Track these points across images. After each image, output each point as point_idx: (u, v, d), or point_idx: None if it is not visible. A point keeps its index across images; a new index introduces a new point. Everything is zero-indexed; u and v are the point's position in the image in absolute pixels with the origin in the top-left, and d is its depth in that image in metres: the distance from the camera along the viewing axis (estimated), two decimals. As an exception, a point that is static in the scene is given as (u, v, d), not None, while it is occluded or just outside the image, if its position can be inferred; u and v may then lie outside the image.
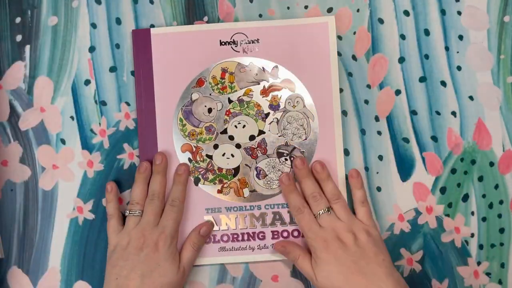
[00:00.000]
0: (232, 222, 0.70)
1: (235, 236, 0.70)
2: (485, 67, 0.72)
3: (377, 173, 0.71)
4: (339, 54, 0.72)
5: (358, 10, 0.73)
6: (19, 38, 0.71)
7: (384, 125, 0.72)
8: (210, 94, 0.70)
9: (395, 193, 0.72)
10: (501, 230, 0.72)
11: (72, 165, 0.70)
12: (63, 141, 0.70)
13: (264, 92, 0.70)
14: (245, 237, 0.70)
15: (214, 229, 0.69)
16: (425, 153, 0.72)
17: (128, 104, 0.71)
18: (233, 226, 0.70)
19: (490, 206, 0.72)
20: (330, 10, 0.72)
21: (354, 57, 0.72)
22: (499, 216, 0.72)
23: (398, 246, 0.71)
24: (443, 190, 0.72)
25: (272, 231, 0.70)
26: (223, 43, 0.70)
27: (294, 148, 0.70)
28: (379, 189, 0.71)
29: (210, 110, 0.70)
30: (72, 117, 0.71)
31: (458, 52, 0.72)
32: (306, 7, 0.72)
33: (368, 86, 0.72)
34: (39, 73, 0.71)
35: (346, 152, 0.71)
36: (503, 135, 0.72)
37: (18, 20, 0.71)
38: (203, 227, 0.68)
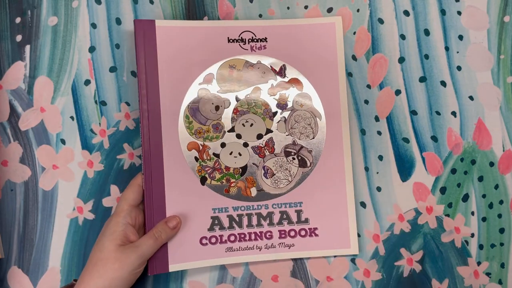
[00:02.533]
0: (239, 222, 0.69)
1: (242, 236, 0.69)
2: (485, 67, 0.72)
3: (377, 173, 0.71)
4: (339, 54, 0.72)
5: (358, 10, 0.73)
6: (19, 38, 0.71)
7: (384, 125, 0.72)
8: (218, 92, 0.69)
9: (395, 193, 0.72)
10: (501, 230, 0.72)
11: (72, 165, 0.70)
12: (63, 141, 0.70)
13: (272, 90, 0.70)
14: (252, 236, 0.69)
15: (221, 229, 0.68)
16: (425, 153, 0.72)
17: (128, 104, 0.71)
18: (240, 226, 0.69)
19: (490, 206, 0.72)
20: (330, 10, 0.72)
21: (354, 57, 0.72)
22: (499, 216, 0.72)
23: (398, 246, 0.71)
24: (443, 190, 0.72)
25: (280, 231, 0.69)
26: (231, 41, 0.69)
27: (302, 147, 0.70)
28: (379, 189, 0.71)
29: (217, 108, 0.69)
30: (72, 117, 0.71)
31: (458, 52, 0.72)
32: (306, 7, 0.72)
33: (368, 86, 0.72)
34: (39, 73, 0.71)
35: (346, 152, 0.71)
36: (503, 135, 0.72)
37: (18, 20, 0.71)
38: (171, 220, 0.66)
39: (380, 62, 0.72)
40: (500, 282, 0.72)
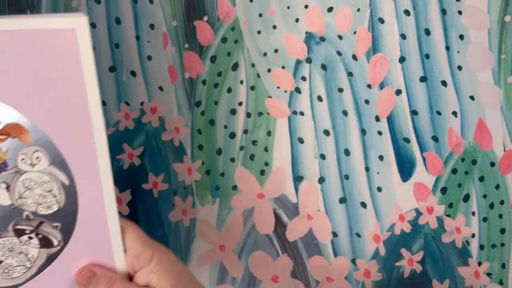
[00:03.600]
0: None
1: None
2: (486, 67, 0.72)
3: (378, 173, 0.71)
4: (339, 53, 0.71)
5: (358, 10, 0.72)
6: (18, 38, 0.71)
7: (384, 125, 0.72)
8: None
9: (395, 193, 0.71)
10: (502, 231, 0.72)
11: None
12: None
13: None
14: None
15: None
16: (426, 153, 0.72)
17: (127, 104, 0.71)
18: None
19: (491, 206, 0.72)
20: (330, 9, 0.72)
21: (354, 57, 0.72)
22: (500, 216, 0.72)
23: (398, 247, 0.71)
24: (443, 190, 0.72)
25: None
26: None
27: (42, 222, 0.49)
28: (379, 189, 0.71)
29: None
30: (71, 117, 0.70)
31: (458, 51, 0.72)
32: (306, 6, 0.72)
33: (369, 86, 0.72)
34: (38, 73, 0.70)
35: (347, 152, 0.71)
36: (504, 135, 0.72)
37: (17, 20, 0.71)
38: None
39: (380, 62, 0.72)
40: (501, 283, 0.71)
